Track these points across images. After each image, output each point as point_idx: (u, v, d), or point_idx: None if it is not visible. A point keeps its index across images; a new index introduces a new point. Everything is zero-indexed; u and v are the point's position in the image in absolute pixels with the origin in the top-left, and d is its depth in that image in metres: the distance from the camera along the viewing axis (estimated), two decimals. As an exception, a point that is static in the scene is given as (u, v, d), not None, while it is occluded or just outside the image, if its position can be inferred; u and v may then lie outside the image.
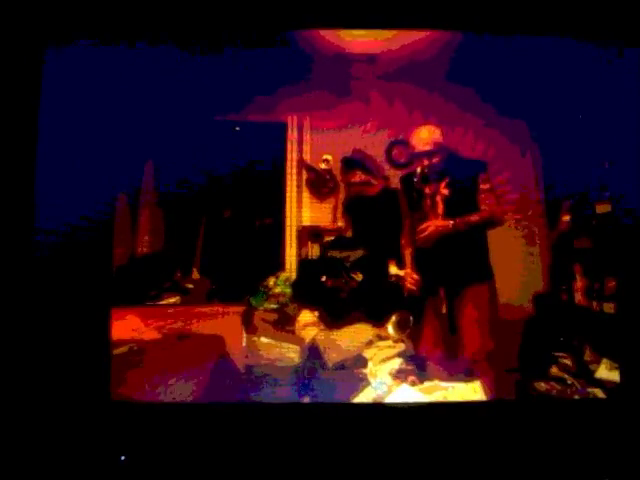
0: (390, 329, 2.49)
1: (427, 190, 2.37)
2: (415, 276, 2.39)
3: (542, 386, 2.24)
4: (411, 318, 2.48)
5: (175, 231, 3.09)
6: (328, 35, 2.72)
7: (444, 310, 2.32)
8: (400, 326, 2.49)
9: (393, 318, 2.50)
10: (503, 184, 2.63)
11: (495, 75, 2.73)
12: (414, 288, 2.39)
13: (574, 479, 1.78)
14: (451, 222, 2.27)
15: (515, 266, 2.86)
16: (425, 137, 2.34)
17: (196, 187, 2.89)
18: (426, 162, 2.34)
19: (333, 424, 1.89)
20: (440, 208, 2.33)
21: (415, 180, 2.39)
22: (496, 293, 2.34)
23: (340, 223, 3.06)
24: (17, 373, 1.80)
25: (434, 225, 2.29)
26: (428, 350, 2.35)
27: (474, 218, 2.26)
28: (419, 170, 2.38)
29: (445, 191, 2.32)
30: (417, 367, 2.30)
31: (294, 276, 2.86)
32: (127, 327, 2.35)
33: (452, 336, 2.31)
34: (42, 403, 1.80)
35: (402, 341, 2.46)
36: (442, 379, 2.15)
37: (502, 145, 2.98)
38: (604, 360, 2.23)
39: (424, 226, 2.31)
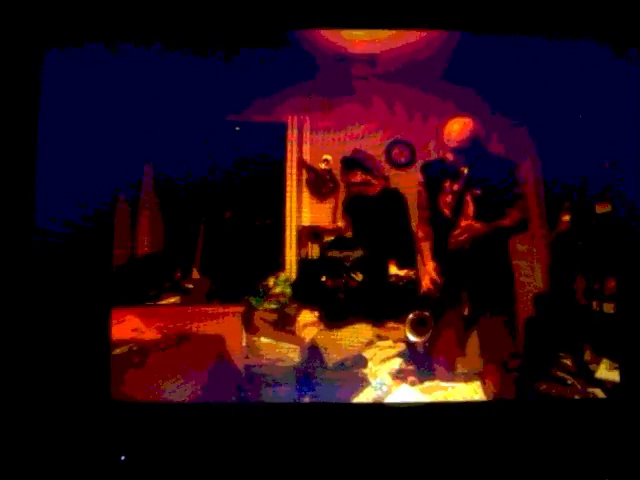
0: (408, 334, 2.32)
1: (455, 187, 2.24)
2: (435, 276, 2.28)
3: (542, 386, 2.24)
4: (428, 318, 2.31)
5: (175, 231, 3.09)
6: (328, 35, 2.72)
7: (466, 312, 2.25)
8: (419, 328, 2.32)
9: (410, 318, 2.31)
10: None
11: (494, 75, 2.72)
12: (432, 287, 2.30)
13: (574, 479, 1.78)
14: (486, 226, 2.17)
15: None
16: (457, 130, 2.18)
17: (196, 187, 2.89)
18: (452, 157, 2.18)
19: (333, 424, 1.89)
20: (471, 208, 2.21)
21: (462, 184, 2.21)
22: (516, 295, 2.28)
23: (340, 223, 3.06)
24: (17, 373, 1.80)
25: (472, 228, 2.19)
26: (443, 351, 2.27)
27: (506, 222, 2.18)
28: (465, 172, 2.20)
29: (477, 191, 2.20)
30: (420, 367, 2.26)
31: (294, 276, 2.86)
32: (127, 327, 2.35)
33: (466, 338, 2.26)
34: (42, 403, 1.81)
35: (403, 341, 2.45)
36: (444, 379, 2.15)
37: (501, 145, 2.98)
38: (604, 360, 2.23)
39: (462, 229, 2.21)
